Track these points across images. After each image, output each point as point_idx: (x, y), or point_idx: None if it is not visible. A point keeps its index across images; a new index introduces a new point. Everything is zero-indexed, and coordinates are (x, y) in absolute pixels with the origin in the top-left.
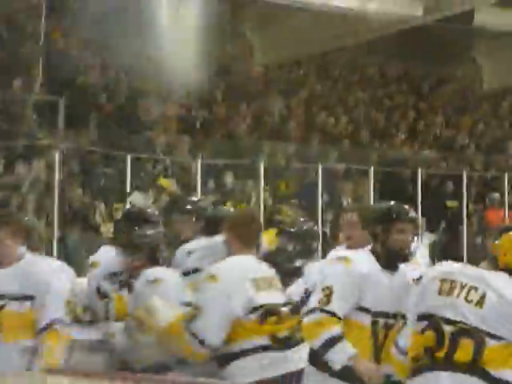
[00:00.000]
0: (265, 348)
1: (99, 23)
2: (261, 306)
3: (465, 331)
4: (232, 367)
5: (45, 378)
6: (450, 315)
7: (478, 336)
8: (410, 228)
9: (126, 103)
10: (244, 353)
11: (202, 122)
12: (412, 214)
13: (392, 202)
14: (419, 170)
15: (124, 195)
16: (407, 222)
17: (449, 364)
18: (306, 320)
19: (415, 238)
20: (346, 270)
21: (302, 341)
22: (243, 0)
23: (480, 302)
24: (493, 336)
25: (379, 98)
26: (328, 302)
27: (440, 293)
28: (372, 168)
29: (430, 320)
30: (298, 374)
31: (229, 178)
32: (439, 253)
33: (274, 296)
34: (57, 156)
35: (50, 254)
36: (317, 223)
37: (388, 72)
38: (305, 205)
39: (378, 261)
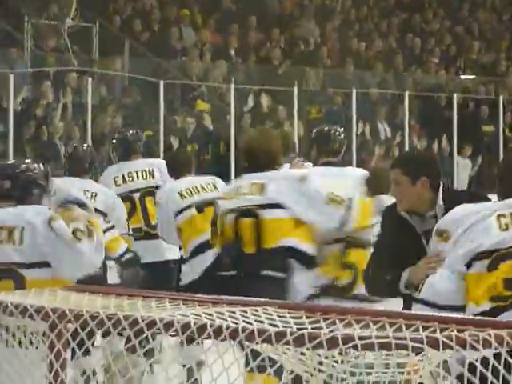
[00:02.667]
0: None
1: None
2: None
3: None
4: None
5: (68, 295)
6: None
7: None
8: None
9: (160, 30)
10: None
11: (236, 48)
12: None
13: None
14: (455, 95)
15: (158, 122)
16: None
17: None
18: None
19: None
20: None
21: None
22: None
23: None
24: None
25: (415, 23)
26: None
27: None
28: (407, 93)
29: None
30: None
31: (264, 102)
32: (477, 178)
33: None
34: (90, 82)
35: None
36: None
37: None
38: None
39: None
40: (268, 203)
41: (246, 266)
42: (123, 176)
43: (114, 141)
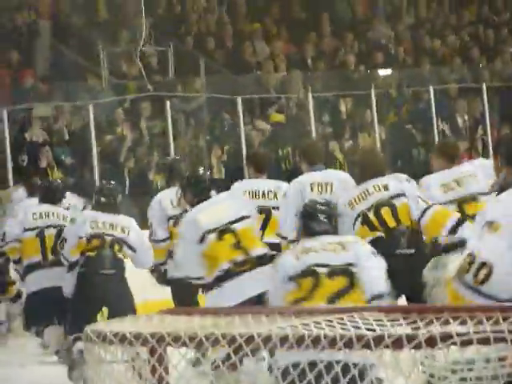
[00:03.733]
0: None
1: None
2: None
3: None
4: None
5: (163, 318)
6: None
7: None
8: None
9: (233, 46)
10: None
11: (311, 56)
12: None
13: None
14: None
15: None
16: None
17: None
18: None
19: None
20: None
21: None
22: None
23: None
24: None
25: (486, 15)
26: None
27: None
28: (485, 85)
29: None
30: None
31: (343, 109)
32: None
33: None
34: (168, 105)
35: None
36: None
37: None
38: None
39: None
40: (395, 193)
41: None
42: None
43: None
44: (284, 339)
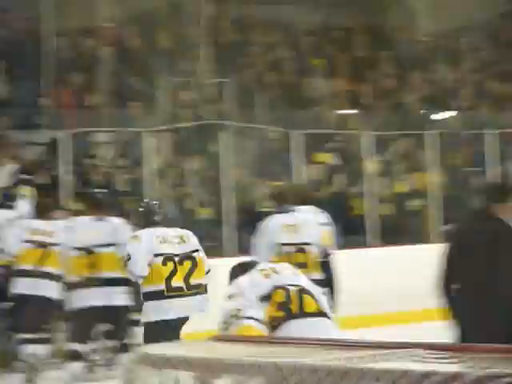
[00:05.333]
0: None
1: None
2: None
3: None
4: None
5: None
6: None
7: None
8: None
9: (293, 81)
10: None
11: (371, 95)
12: None
13: None
14: None
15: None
16: None
17: None
18: None
19: None
20: None
21: None
22: None
23: None
24: None
25: None
26: None
27: None
28: None
29: None
30: None
31: (394, 149)
32: None
33: None
34: (224, 137)
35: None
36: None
37: None
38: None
39: None
40: None
41: None
42: None
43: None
44: (329, 372)
